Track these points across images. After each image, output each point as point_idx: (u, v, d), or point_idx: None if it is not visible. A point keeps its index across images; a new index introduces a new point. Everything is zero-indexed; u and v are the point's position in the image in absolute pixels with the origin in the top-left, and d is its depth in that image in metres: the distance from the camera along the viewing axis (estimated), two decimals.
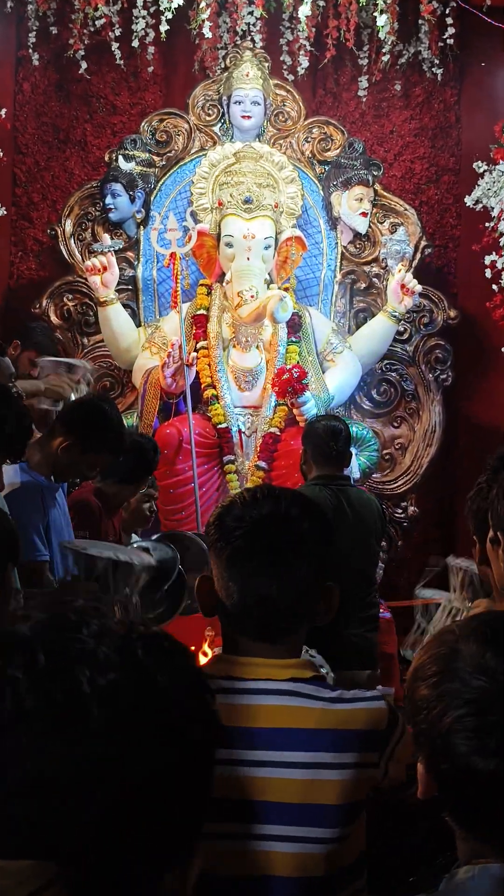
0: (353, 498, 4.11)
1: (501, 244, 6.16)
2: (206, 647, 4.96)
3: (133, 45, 6.54)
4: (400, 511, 6.57)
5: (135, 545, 3.50)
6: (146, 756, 0.80)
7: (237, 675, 1.54)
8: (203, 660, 4.77)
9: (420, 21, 6.51)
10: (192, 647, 4.39)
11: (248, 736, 1.49)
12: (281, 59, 6.64)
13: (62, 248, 6.48)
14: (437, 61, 6.64)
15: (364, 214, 6.41)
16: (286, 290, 6.11)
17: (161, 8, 6.36)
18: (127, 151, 6.41)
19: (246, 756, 1.49)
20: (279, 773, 1.49)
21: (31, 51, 6.64)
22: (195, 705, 0.87)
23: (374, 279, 6.56)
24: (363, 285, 6.56)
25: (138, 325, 6.40)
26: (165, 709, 0.83)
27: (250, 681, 1.54)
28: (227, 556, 1.57)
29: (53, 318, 6.49)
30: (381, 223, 6.56)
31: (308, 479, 4.19)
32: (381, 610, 5.67)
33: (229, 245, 6.02)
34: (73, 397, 4.00)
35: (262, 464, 5.96)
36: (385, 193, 6.57)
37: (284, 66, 6.69)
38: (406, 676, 1.76)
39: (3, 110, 6.31)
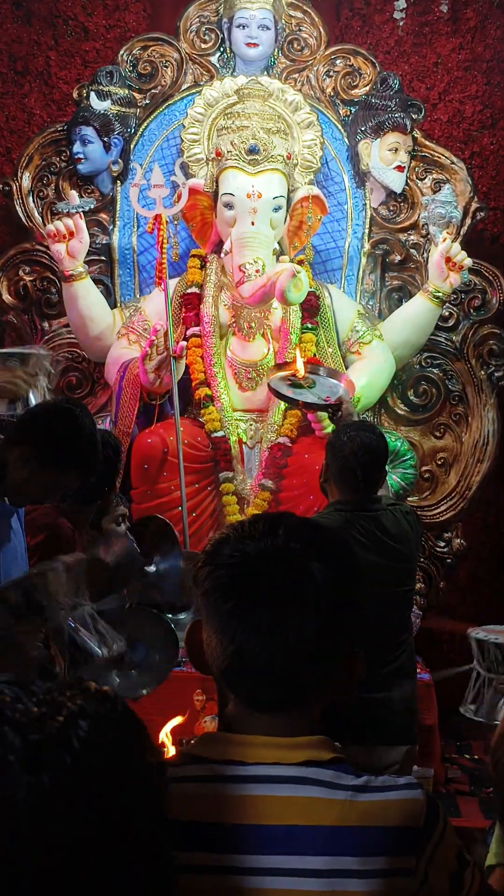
0: (391, 526, 4.00)
1: None
2: (205, 721, 4.82)
3: None
4: (442, 544, 6.44)
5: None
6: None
7: (237, 758, 1.52)
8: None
9: None
10: (179, 718, 4.25)
11: (252, 836, 1.48)
12: None
13: (17, 207, 6.38)
14: None
15: (400, 168, 6.32)
16: (300, 263, 6.03)
17: None
18: (101, 87, 6.32)
19: (249, 862, 1.47)
20: (291, 884, 1.47)
21: None
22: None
23: (413, 250, 6.46)
24: (398, 258, 6.45)
25: (113, 305, 6.31)
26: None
27: (254, 765, 1.51)
28: (215, 601, 1.55)
29: (6, 296, 6.40)
30: (422, 180, 6.46)
31: (329, 500, 4.10)
32: (418, 670, 5.56)
33: (229, 206, 5.95)
34: (32, 397, 3.92)
35: (269, 482, 5.89)
36: (427, 142, 6.48)
37: None
38: (492, 743, 1.85)
39: None
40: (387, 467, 5.92)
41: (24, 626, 2.60)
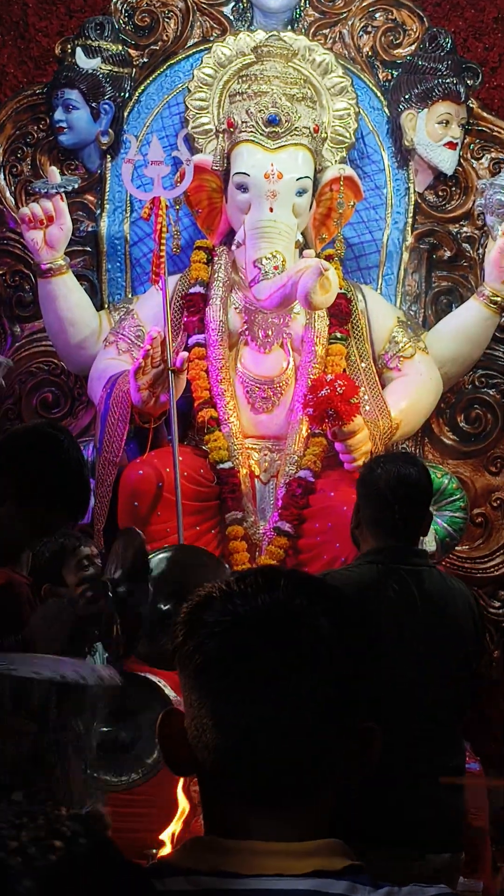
0: (431, 585, 4.05)
1: None
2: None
3: None
4: (497, 604, 6.52)
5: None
6: None
7: (231, 868, 1.49)
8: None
9: None
10: (177, 824, 4.35)
11: None
12: None
13: None
14: None
15: (451, 146, 6.44)
16: (329, 258, 6.09)
17: None
18: (89, 42, 6.46)
19: None
20: None
21: None
22: None
23: (465, 245, 6.58)
24: (448, 254, 6.57)
25: (100, 307, 6.42)
26: None
27: (252, 878, 1.48)
28: (195, 670, 1.54)
29: None
30: (478, 159, 6.60)
31: (360, 550, 4.16)
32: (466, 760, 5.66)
33: (243, 188, 6.03)
34: None
35: (286, 526, 5.91)
36: (484, 114, 6.61)
37: None
38: None
39: None
40: (432, 509, 6.07)
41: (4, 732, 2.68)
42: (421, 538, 5.82)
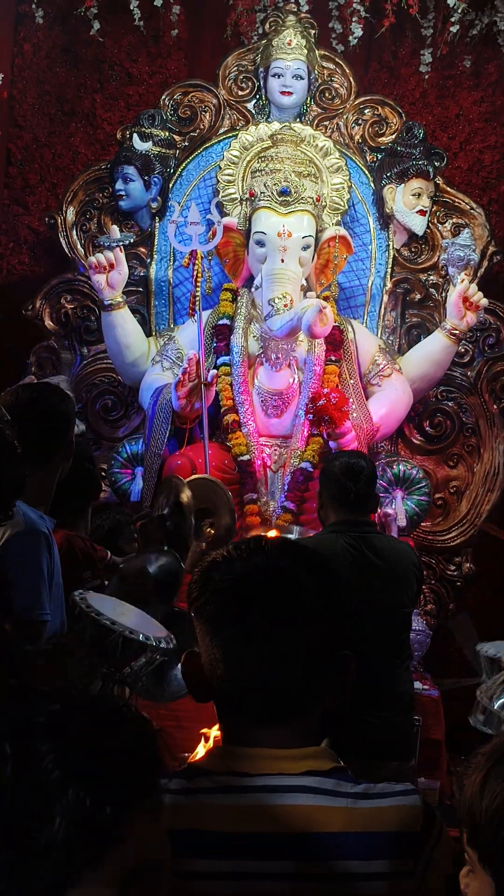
0: (382, 547, 4.10)
1: None
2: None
3: (155, 2, 6.60)
4: (453, 568, 6.54)
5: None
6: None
7: (243, 770, 1.53)
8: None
9: None
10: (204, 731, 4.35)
11: (259, 843, 1.48)
12: (330, 25, 6.71)
13: (62, 239, 6.54)
14: None
15: (422, 213, 6.45)
16: (326, 299, 6.11)
17: None
18: (143, 129, 6.47)
19: (256, 868, 1.48)
20: (297, 888, 1.47)
21: (34, 6, 6.71)
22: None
23: (432, 290, 6.59)
24: (418, 296, 6.58)
25: (148, 334, 6.44)
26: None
27: (258, 776, 1.52)
28: (208, 619, 1.56)
29: (48, 322, 6.55)
30: (443, 223, 6.60)
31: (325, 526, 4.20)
32: (426, 687, 5.67)
33: (261, 244, 6.05)
34: None
35: (290, 505, 5.95)
36: (448, 188, 6.62)
37: (333, 35, 6.75)
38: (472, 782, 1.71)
39: (0, 76, 6.37)
40: (403, 494, 6.11)
41: (77, 656, 2.66)
42: (386, 514, 5.92)
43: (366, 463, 4.21)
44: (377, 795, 1.53)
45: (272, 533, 5.66)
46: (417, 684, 5.50)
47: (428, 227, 6.53)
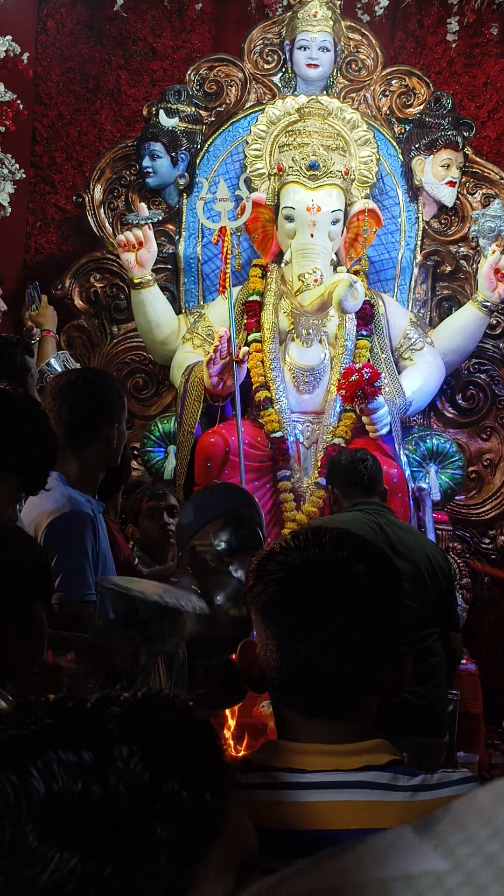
0: (398, 523, 4.19)
1: None
2: (262, 706, 4.96)
3: None
4: (487, 541, 6.54)
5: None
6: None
7: (298, 766, 1.52)
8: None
9: None
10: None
11: (315, 841, 1.47)
12: None
13: (90, 218, 6.53)
14: None
15: (451, 184, 6.41)
16: (356, 273, 6.11)
17: None
18: (169, 105, 6.44)
19: None
20: None
21: None
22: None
23: (462, 262, 6.56)
24: (448, 269, 6.55)
25: (178, 312, 6.43)
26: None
27: (313, 773, 1.51)
28: (263, 609, 1.55)
29: (77, 302, 6.56)
30: (472, 194, 6.56)
31: None
32: (463, 661, 5.68)
33: (290, 219, 6.03)
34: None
35: (324, 481, 5.90)
36: (477, 159, 6.57)
37: (359, 5, 6.70)
38: None
39: (25, 54, 6.35)
40: (434, 468, 6.12)
41: (122, 634, 2.66)
42: (420, 488, 5.94)
43: (369, 456, 4.36)
44: (435, 786, 1.52)
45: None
46: None
47: (457, 198, 6.49)
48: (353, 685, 1.53)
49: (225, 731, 4.23)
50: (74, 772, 0.88)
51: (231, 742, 4.68)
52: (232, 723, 4.58)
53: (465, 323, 6.31)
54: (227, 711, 4.56)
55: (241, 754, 4.72)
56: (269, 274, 6.23)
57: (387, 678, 1.57)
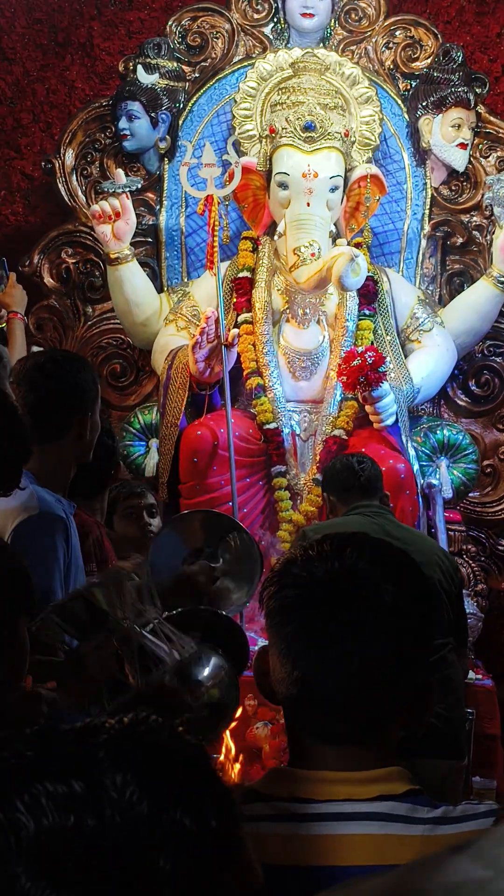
0: (402, 526, 4.25)
1: None
2: (256, 727, 4.96)
3: None
4: None
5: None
6: None
7: (306, 795, 1.50)
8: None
9: None
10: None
11: (325, 878, 1.43)
12: None
13: (60, 186, 6.51)
14: None
15: (463, 146, 6.40)
16: (358, 246, 6.10)
17: None
18: (148, 59, 6.42)
19: None
20: None
21: None
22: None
23: (475, 232, 6.55)
24: (460, 240, 6.55)
25: (160, 290, 6.42)
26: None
27: (325, 803, 1.49)
28: (278, 623, 1.55)
29: (47, 280, 6.53)
30: (486, 157, 6.55)
31: None
32: (478, 676, 5.69)
33: (283, 186, 6.03)
34: None
35: (322, 477, 5.92)
36: (491, 118, 6.56)
37: None
38: None
39: None
40: (446, 461, 6.13)
41: (91, 641, 2.63)
42: (430, 484, 5.95)
43: (366, 458, 4.39)
44: (457, 819, 1.50)
45: None
46: (470, 674, 5.52)
47: (469, 161, 6.48)
48: (371, 711, 1.52)
49: (221, 756, 4.23)
50: (65, 804, 0.86)
51: (229, 767, 4.70)
52: (232, 745, 4.58)
53: (478, 301, 6.31)
54: (228, 734, 4.57)
55: (235, 780, 4.74)
56: (260, 247, 6.22)
57: (409, 709, 1.56)
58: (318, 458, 5.98)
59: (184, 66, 6.53)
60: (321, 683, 1.50)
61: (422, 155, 6.48)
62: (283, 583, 1.56)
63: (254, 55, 6.53)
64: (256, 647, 5.46)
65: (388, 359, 5.94)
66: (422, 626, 1.56)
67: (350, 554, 1.55)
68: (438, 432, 6.23)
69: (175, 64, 6.49)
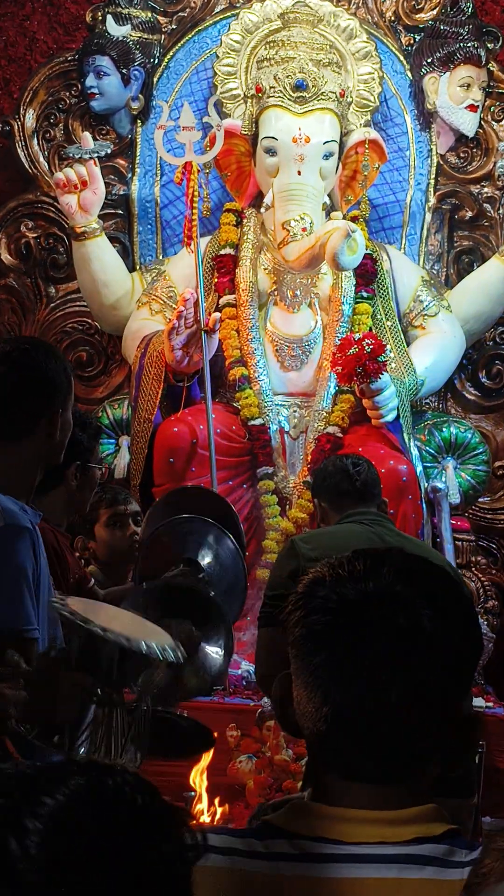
0: (402, 535, 4.18)
1: None
2: (239, 762, 4.92)
3: None
4: None
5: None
6: None
7: (333, 836, 1.48)
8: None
9: None
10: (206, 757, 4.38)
11: None
12: None
13: (20, 151, 6.48)
14: None
15: (473, 108, 6.38)
16: (355, 220, 6.08)
17: None
18: (118, 9, 6.40)
19: None
20: None
21: None
22: None
23: (486, 205, 6.53)
24: (469, 214, 6.54)
25: (132, 268, 6.39)
26: None
27: (354, 845, 1.47)
28: (305, 652, 1.53)
29: (5, 256, 6.50)
30: (499, 121, 6.54)
31: None
32: (489, 704, 5.66)
33: (271, 152, 6.00)
34: None
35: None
36: None
37: None
38: None
39: None
40: (453, 463, 6.11)
41: (70, 678, 2.62)
42: (435, 488, 5.92)
43: (363, 460, 4.26)
44: None
45: None
46: (479, 701, 5.50)
47: (480, 125, 6.47)
48: (405, 747, 1.51)
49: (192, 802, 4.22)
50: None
51: (202, 808, 4.67)
52: (199, 782, 4.58)
53: (489, 282, 6.31)
54: (196, 775, 4.55)
55: (215, 821, 4.71)
56: (245, 221, 6.22)
57: (448, 745, 1.55)
58: (309, 458, 5.97)
59: (159, 17, 6.50)
60: (354, 719, 1.49)
61: (426, 118, 6.46)
62: (311, 607, 1.53)
63: (238, 4, 6.49)
64: (240, 671, 5.44)
65: (388, 347, 5.94)
66: (464, 654, 1.55)
67: (385, 574, 1.54)
68: (445, 430, 6.22)
69: (149, 14, 6.46)
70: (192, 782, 4.53)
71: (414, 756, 1.52)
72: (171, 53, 6.49)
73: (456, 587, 1.61)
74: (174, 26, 6.52)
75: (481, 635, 1.53)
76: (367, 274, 6.12)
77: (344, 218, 6.02)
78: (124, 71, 6.35)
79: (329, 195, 6.13)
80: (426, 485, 5.99)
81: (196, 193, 5.72)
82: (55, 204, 6.30)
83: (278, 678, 1.61)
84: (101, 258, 6.20)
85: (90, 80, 6.36)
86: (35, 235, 6.50)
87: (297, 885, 1.46)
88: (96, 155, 6.11)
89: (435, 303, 6.28)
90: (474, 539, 6.29)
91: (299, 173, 5.94)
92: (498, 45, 6.49)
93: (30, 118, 6.47)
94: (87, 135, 6.20)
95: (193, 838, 1.04)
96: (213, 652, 3.18)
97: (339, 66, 6.17)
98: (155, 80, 6.45)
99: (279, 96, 6.02)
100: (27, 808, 0.96)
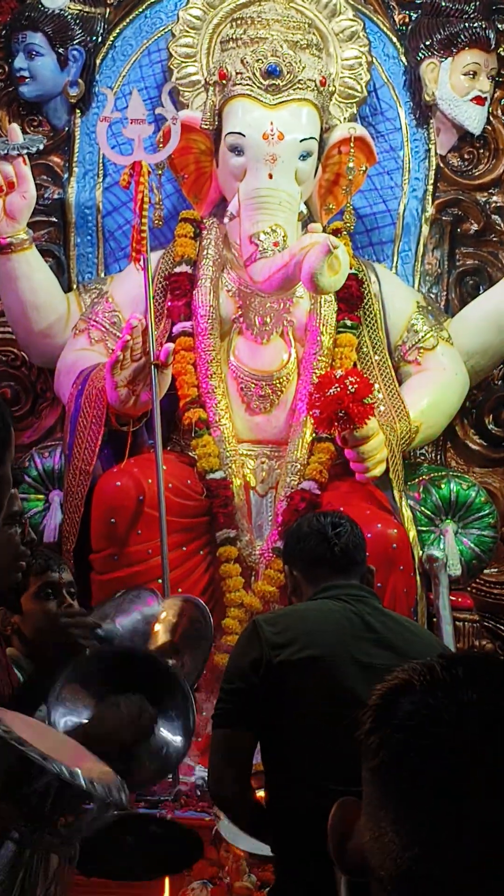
0: (389, 615, 4.16)
1: None
2: (192, 888, 4.97)
3: None
4: None
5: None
6: None
7: None
8: None
9: None
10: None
11: None
12: None
13: None
14: None
15: (479, 101, 6.49)
16: (337, 233, 6.12)
17: None
18: None
19: None
20: None
21: None
22: None
23: (495, 216, 6.62)
24: (474, 227, 6.62)
25: (68, 289, 6.45)
26: None
27: None
28: (394, 781, 1.50)
29: None
30: None
31: None
32: None
33: (237, 150, 6.05)
34: None
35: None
36: None
37: None
38: None
39: None
40: (456, 527, 6.11)
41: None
42: (432, 557, 5.93)
43: (344, 519, 4.22)
44: None
45: None
46: None
47: (489, 122, 6.57)
48: None
49: None
50: None
51: None
52: None
53: (497, 309, 6.36)
54: None
55: None
56: (204, 233, 6.26)
57: None
58: (279, 519, 5.95)
59: None
60: (450, 865, 1.46)
61: (424, 112, 6.53)
62: (396, 723, 1.50)
63: None
64: (193, 778, 5.45)
65: (375, 386, 5.96)
66: None
67: (491, 682, 1.51)
68: (444, 487, 6.23)
69: None
70: None
71: None
72: (117, 30, 6.55)
73: None
74: None
75: None
76: (352, 298, 6.17)
77: (324, 231, 6.03)
78: (61, 51, 6.43)
79: (306, 203, 6.18)
80: (421, 553, 5.99)
81: (146, 199, 5.72)
82: None
83: (340, 804, 1.57)
84: (30, 276, 6.23)
85: (20, 61, 6.44)
86: None
87: None
88: (26, 151, 6.10)
89: (433, 333, 6.31)
90: (478, 619, 6.28)
91: (270, 176, 5.97)
92: None
93: None
94: (16, 127, 6.21)
95: None
96: (169, 733, 3.22)
97: (320, 48, 6.22)
98: (98, 62, 6.51)
99: (248, 84, 6.06)
100: None
